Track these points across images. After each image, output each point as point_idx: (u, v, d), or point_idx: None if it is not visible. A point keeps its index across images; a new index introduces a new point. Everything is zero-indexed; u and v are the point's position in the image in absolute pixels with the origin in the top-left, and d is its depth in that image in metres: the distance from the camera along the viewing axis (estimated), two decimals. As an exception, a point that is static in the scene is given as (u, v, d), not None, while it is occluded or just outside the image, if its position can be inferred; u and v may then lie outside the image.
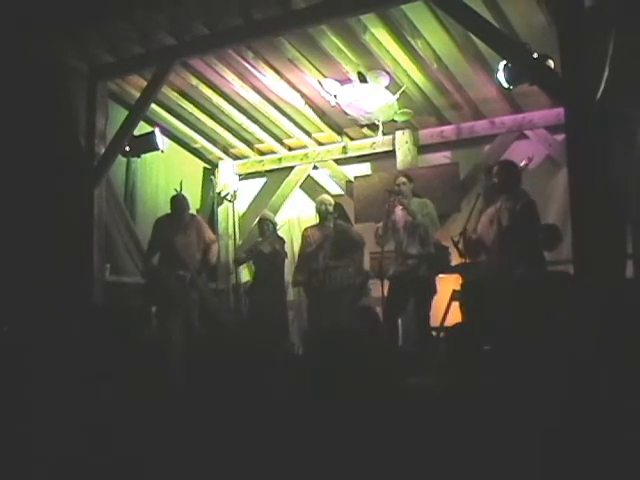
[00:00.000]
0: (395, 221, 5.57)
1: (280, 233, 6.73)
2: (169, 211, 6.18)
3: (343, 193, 7.42)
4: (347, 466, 2.50)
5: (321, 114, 7.00)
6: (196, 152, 7.86)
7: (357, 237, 6.10)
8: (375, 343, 4.07)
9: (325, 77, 6.23)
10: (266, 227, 6.48)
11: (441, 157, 7.09)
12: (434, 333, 5.56)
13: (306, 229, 6.37)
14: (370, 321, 4.63)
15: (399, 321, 5.67)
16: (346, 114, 6.51)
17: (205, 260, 6.13)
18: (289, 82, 6.46)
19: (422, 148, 7.05)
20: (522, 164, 5.05)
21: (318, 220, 6.26)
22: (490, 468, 2.54)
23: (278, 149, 7.75)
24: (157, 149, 6.30)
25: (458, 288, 5.44)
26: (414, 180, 5.74)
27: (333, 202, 6.23)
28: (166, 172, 7.42)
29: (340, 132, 7.31)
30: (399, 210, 5.55)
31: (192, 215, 6.45)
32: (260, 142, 7.70)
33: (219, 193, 7.68)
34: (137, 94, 6.20)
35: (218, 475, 2.70)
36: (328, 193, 7.07)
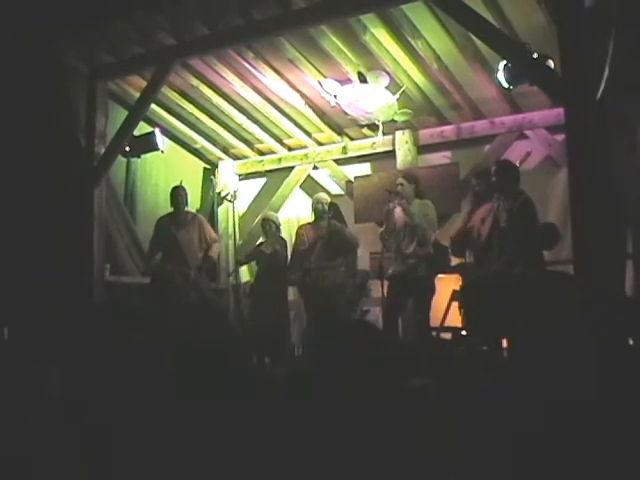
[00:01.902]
0: (395, 221, 5.57)
1: (283, 233, 6.72)
2: (169, 209, 6.22)
3: (343, 193, 7.42)
4: (345, 468, 2.50)
5: (321, 114, 6.99)
6: (196, 152, 7.86)
7: (351, 238, 6.09)
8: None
9: (325, 77, 6.23)
10: (268, 227, 6.48)
11: (441, 157, 7.09)
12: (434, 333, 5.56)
13: (301, 226, 6.36)
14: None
15: (399, 321, 5.67)
16: (346, 114, 6.50)
17: (206, 258, 6.16)
18: (289, 82, 6.46)
19: (422, 148, 7.04)
20: (519, 161, 5.05)
21: (313, 218, 6.25)
22: (488, 470, 2.54)
23: (278, 149, 7.75)
24: (157, 149, 6.31)
25: (458, 288, 5.45)
26: (419, 181, 5.72)
27: (329, 201, 6.22)
28: (166, 172, 7.43)
29: (340, 132, 7.31)
30: (399, 210, 5.55)
31: (194, 214, 6.48)
32: (260, 142, 7.71)
33: (219, 193, 7.68)
34: (137, 94, 6.20)
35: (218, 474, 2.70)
36: (328, 193, 7.07)
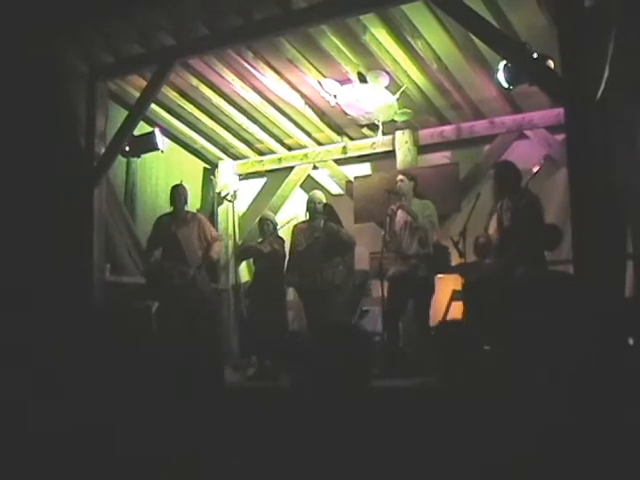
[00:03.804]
0: (396, 224, 5.57)
1: (281, 233, 6.72)
2: (169, 209, 6.21)
3: (343, 193, 7.42)
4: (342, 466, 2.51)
5: (321, 114, 6.99)
6: (196, 152, 7.86)
7: (347, 238, 6.07)
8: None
9: (325, 77, 6.23)
10: (266, 227, 6.47)
11: (441, 157, 7.09)
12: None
13: (295, 226, 6.33)
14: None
15: (399, 321, 5.66)
16: (346, 114, 6.51)
17: (207, 257, 6.14)
18: (289, 82, 6.46)
19: (422, 148, 7.04)
20: (535, 170, 5.05)
21: (308, 217, 6.24)
22: (486, 470, 2.54)
23: (278, 149, 7.75)
24: (157, 149, 6.30)
25: (458, 288, 5.44)
26: (417, 180, 5.71)
27: (324, 200, 6.20)
28: (166, 172, 7.43)
29: (340, 132, 7.31)
30: (400, 211, 5.55)
31: (194, 213, 6.46)
32: (260, 142, 7.70)
33: (219, 193, 7.68)
34: (137, 94, 6.20)
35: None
36: (328, 193, 7.07)
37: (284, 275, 6.30)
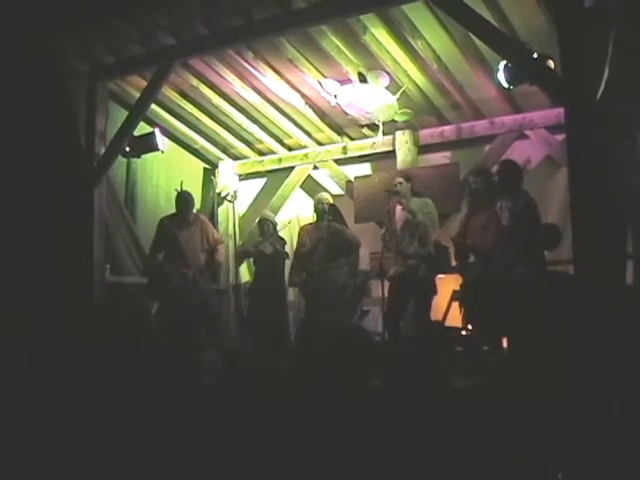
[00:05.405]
0: (395, 221, 5.57)
1: (281, 234, 6.72)
2: (172, 210, 6.21)
3: (343, 193, 7.42)
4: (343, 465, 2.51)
5: (321, 114, 7.00)
6: (196, 152, 7.86)
7: (352, 239, 6.09)
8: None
9: (325, 77, 6.23)
10: (266, 227, 6.47)
11: (441, 157, 7.08)
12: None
13: (302, 228, 6.37)
14: None
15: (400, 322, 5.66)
16: (346, 114, 6.51)
17: (212, 261, 6.14)
18: (289, 82, 6.46)
19: (422, 148, 7.04)
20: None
21: (315, 218, 6.26)
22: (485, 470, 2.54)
23: (278, 149, 7.75)
24: (157, 149, 6.30)
25: (458, 288, 5.44)
26: (413, 179, 5.73)
27: (330, 200, 6.23)
28: (166, 172, 7.43)
29: (340, 132, 7.31)
30: (399, 210, 5.55)
31: (196, 215, 6.47)
32: (260, 142, 7.70)
33: (219, 193, 7.68)
34: (137, 94, 6.20)
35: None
36: (329, 193, 7.07)
37: (285, 275, 6.31)
